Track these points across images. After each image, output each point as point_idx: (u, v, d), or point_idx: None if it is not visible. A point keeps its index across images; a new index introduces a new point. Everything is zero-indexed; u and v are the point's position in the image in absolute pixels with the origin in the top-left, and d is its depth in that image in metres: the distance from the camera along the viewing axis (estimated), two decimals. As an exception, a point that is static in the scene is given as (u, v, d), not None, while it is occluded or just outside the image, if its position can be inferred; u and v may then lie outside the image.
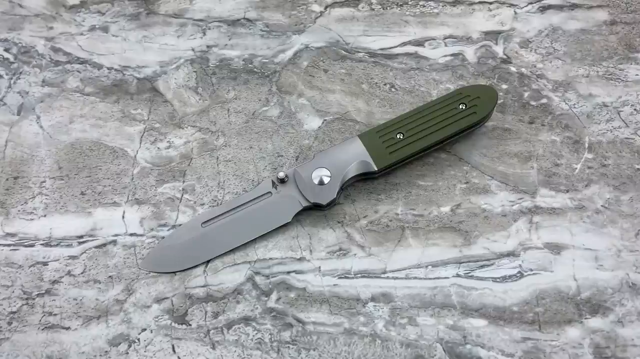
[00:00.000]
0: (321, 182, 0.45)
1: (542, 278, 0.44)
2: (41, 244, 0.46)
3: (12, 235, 0.46)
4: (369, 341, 0.42)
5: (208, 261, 0.45)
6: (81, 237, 0.46)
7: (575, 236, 0.45)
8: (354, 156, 0.46)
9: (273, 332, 0.43)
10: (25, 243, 0.46)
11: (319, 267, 0.45)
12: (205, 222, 0.45)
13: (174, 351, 0.42)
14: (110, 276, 0.45)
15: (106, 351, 0.42)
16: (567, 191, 0.47)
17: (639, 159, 0.48)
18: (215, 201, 0.48)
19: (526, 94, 0.51)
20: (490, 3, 0.56)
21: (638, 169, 0.48)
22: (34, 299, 0.44)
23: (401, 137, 0.46)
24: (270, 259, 0.45)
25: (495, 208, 0.47)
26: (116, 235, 0.46)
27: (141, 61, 0.54)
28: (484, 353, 0.42)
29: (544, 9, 0.56)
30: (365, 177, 0.47)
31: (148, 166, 0.49)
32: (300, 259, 0.45)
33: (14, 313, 0.44)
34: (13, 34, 0.56)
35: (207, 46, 0.55)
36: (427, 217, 0.46)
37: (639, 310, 0.43)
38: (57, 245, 0.46)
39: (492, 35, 0.54)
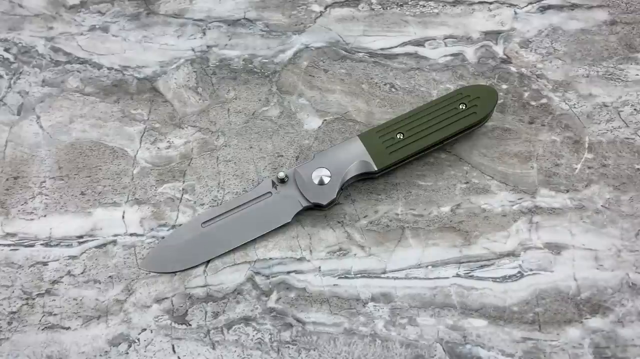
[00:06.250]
0: (321, 182, 0.45)
1: (542, 277, 0.44)
2: (41, 244, 0.46)
3: (12, 235, 0.46)
4: (369, 341, 0.42)
5: (208, 261, 0.45)
6: (81, 237, 0.46)
7: (575, 236, 0.45)
8: (354, 156, 0.46)
9: (273, 332, 0.43)
10: (25, 243, 0.46)
11: (319, 267, 0.45)
12: (205, 222, 0.45)
13: (174, 351, 0.42)
14: (110, 276, 0.45)
15: (106, 351, 0.42)
16: (567, 191, 0.47)
17: (639, 159, 0.48)
18: (215, 201, 0.48)
19: (526, 94, 0.51)
20: (490, 3, 0.56)
21: (638, 169, 0.48)
22: (34, 299, 0.44)
23: (401, 137, 0.46)
24: (271, 259, 0.45)
25: (495, 208, 0.47)
26: (116, 235, 0.46)
27: (141, 61, 0.54)
28: (484, 353, 0.42)
29: (544, 9, 0.56)
30: (365, 177, 0.47)
31: (148, 166, 0.49)
32: (300, 259, 0.45)
33: (14, 313, 0.44)
34: (13, 34, 0.56)
35: (207, 46, 0.55)
36: (427, 217, 0.46)
37: (639, 310, 0.43)
38: (57, 245, 0.46)
39: (492, 35, 0.54)
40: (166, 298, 0.44)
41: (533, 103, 0.51)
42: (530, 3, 0.56)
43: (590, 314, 0.43)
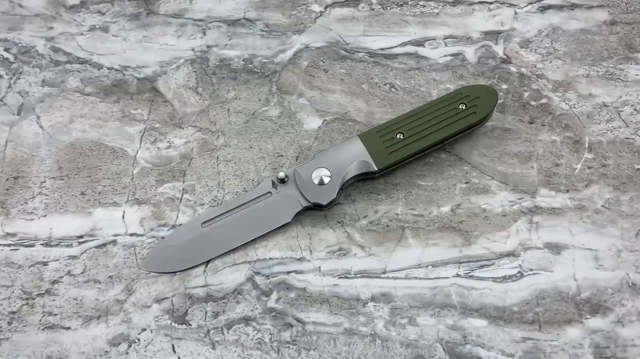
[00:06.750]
0: (321, 182, 0.45)
1: (542, 277, 0.44)
2: (41, 244, 0.46)
3: (12, 235, 0.46)
4: (369, 341, 0.42)
5: (208, 261, 0.45)
6: (81, 237, 0.46)
7: (575, 236, 0.45)
8: (354, 155, 0.46)
9: (273, 332, 0.43)
10: (25, 243, 0.46)
11: (319, 267, 0.45)
12: (205, 222, 0.45)
13: (174, 351, 0.42)
14: (110, 276, 0.45)
15: (106, 351, 0.42)
16: (567, 191, 0.47)
17: (639, 159, 0.48)
18: (215, 201, 0.48)
19: (526, 94, 0.51)
20: (490, 3, 0.56)
21: (638, 169, 0.48)
22: (34, 299, 0.44)
23: (401, 137, 0.46)
24: (271, 259, 0.45)
25: (495, 208, 0.47)
26: (116, 235, 0.46)
27: (141, 61, 0.54)
28: (484, 353, 0.42)
29: (544, 9, 0.56)
30: (365, 177, 0.47)
31: (148, 166, 0.49)
32: (300, 259, 0.45)
33: (14, 313, 0.44)
34: (13, 34, 0.56)
35: (207, 46, 0.55)
36: (427, 217, 0.46)
37: (639, 310, 0.43)
38: (57, 245, 0.46)
39: (492, 35, 0.54)
40: (166, 298, 0.44)
41: (533, 103, 0.51)
42: (530, 3, 0.56)
43: (590, 314, 0.43)
